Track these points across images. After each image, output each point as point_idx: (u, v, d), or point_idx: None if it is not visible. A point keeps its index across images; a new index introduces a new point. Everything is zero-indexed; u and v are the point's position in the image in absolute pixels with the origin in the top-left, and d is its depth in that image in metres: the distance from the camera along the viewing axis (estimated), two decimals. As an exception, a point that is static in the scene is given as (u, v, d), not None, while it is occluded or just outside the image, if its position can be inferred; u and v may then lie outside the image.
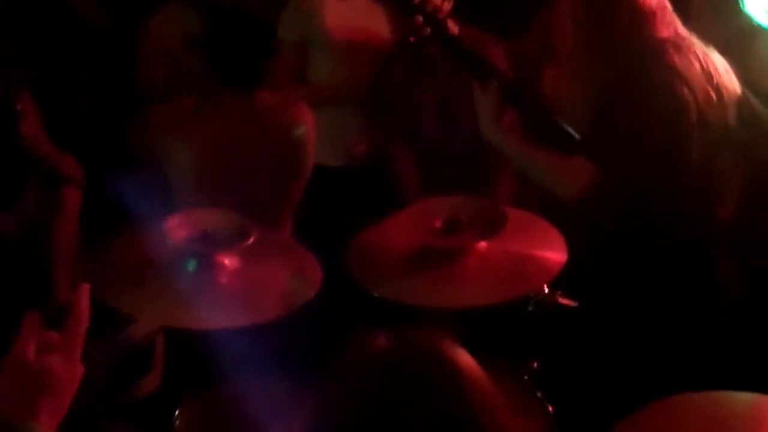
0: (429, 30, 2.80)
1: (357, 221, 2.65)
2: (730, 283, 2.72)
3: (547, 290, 2.47)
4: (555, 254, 2.37)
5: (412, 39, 2.97)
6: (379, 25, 3.57)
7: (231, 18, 2.82)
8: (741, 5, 3.06)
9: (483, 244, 2.36)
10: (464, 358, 1.34)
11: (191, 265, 2.28)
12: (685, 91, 2.49)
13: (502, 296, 2.30)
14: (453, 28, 2.79)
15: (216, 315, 2.25)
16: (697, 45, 2.60)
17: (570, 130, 2.66)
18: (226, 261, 2.30)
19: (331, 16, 3.53)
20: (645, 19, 2.54)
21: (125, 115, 3.29)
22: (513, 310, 2.45)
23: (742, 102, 2.64)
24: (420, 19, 2.79)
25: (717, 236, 2.66)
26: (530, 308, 2.46)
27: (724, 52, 2.65)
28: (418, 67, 3.42)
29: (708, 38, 2.66)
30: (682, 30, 2.61)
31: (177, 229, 2.28)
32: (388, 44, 3.53)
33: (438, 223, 2.38)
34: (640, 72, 2.51)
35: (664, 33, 2.57)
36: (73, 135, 3.04)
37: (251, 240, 2.28)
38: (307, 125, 2.94)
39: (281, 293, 2.30)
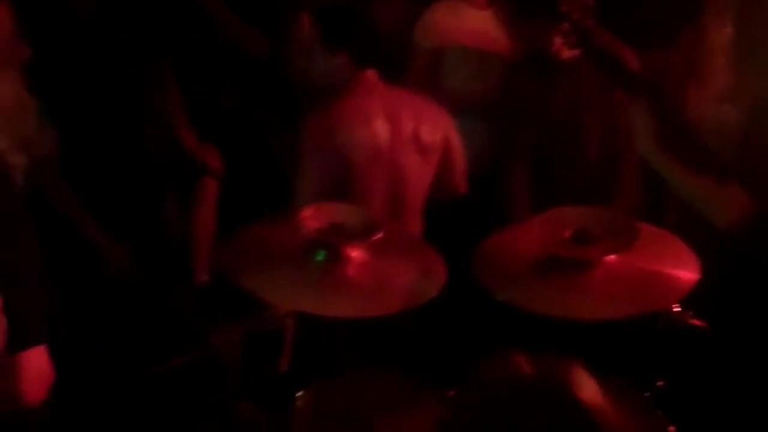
0: (575, 38, 2.78)
1: (484, 225, 2.66)
2: None
3: (678, 309, 2.43)
4: (687, 273, 2.30)
5: (558, 50, 2.97)
6: (509, 35, 3.59)
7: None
8: None
9: (612, 257, 2.33)
10: (594, 390, 1.35)
11: (321, 255, 2.34)
12: None
13: (628, 312, 2.26)
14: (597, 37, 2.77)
15: (341, 305, 2.31)
16: None
17: (715, 152, 2.60)
18: (354, 254, 2.35)
19: (465, 26, 3.57)
20: None
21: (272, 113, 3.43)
22: (642, 327, 2.41)
23: None
24: (566, 26, 2.78)
25: None
26: (659, 326, 2.42)
27: None
28: (546, 78, 3.41)
29: None
30: None
31: (310, 219, 2.35)
32: (519, 55, 3.55)
33: (568, 233, 2.36)
34: None
35: None
36: (215, 130, 3.19)
37: (379, 235, 2.33)
38: (443, 123, 2.99)
39: (405, 290, 2.34)
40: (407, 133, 2.92)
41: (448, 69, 3.59)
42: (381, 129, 2.89)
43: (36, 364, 1.88)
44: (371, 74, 2.94)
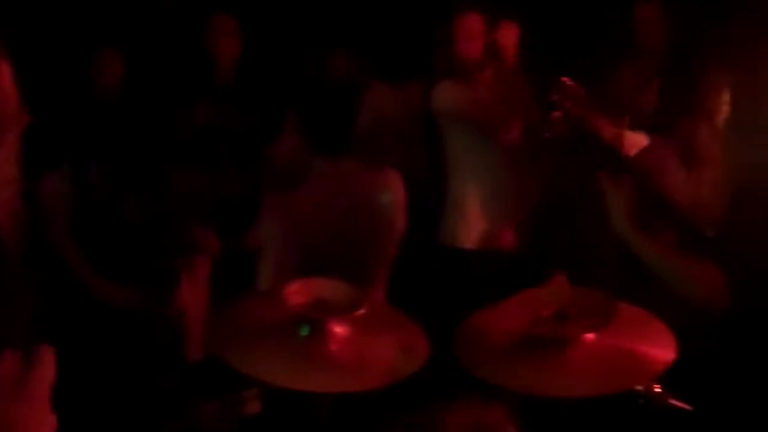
0: (565, 126, 2.87)
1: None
2: None
3: (659, 390, 2.44)
4: (663, 352, 2.34)
5: (547, 135, 3.05)
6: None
7: (323, 87, 3.00)
8: None
9: (590, 336, 2.36)
10: None
11: (305, 330, 2.38)
12: None
13: (604, 390, 2.29)
14: (589, 123, 2.85)
15: (324, 380, 2.34)
16: None
17: (703, 230, 2.65)
18: (338, 329, 2.39)
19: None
20: None
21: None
22: (622, 406, 2.43)
23: None
24: (558, 115, 2.87)
25: None
26: (641, 402, 2.43)
27: None
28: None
29: None
30: None
31: (295, 294, 2.40)
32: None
33: (547, 312, 2.40)
34: None
35: None
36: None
37: (362, 311, 2.37)
38: (395, 191, 3.05)
39: (387, 365, 2.37)
40: (365, 205, 3.00)
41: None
42: (337, 209, 2.98)
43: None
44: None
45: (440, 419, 1.44)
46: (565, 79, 2.93)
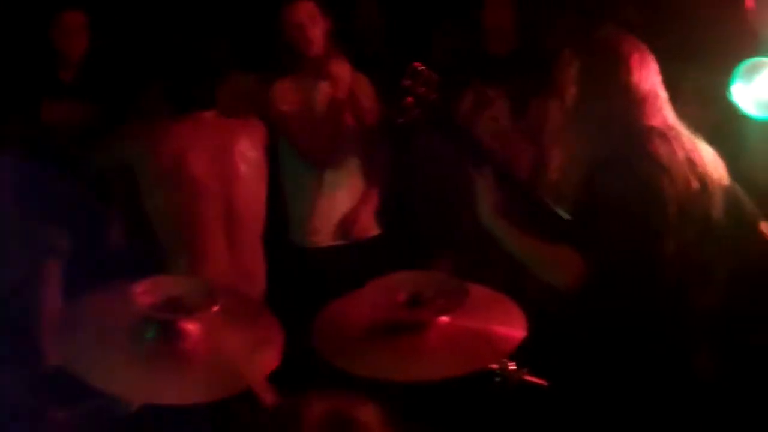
0: (419, 111, 2.87)
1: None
2: (710, 373, 2.66)
3: (514, 367, 2.49)
4: (514, 331, 2.39)
5: (401, 120, 3.06)
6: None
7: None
8: (728, 95, 3.07)
9: (444, 318, 2.38)
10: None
11: (153, 332, 2.28)
12: (665, 182, 2.47)
13: (459, 371, 2.31)
14: (442, 110, 2.87)
15: (179, 390, 2.25)
16: (685, 134, 2.60)
17: (561, 212, 2.69)
18: (191, 327, 2.32)
19: None
20: (635, 104, 2.56)
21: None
22: (478, 384, 2.47)
23: (729, 193, 2.62)
24: (410, 100, 2.87)
25: (697, 326, 2.62)
26: (497, 379, 2.48)
27: (710, 142, 2.66)
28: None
29: (694, 126, 2.67)
30: (672, 118, 2.62)
31: (143, 295, 2.30)
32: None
33: (401, 297, 2.41)
34: (622, 159, 2.52)
35: (653, 121, 2.58)
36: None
37: (216, 308, 2.31)
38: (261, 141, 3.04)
39: (243, 365, 2.31)
40: (232, 159, 2.96)
41: None
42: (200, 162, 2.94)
43: None
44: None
45: (300, 409, 1.43)
46: (417, 64, 2.93)
